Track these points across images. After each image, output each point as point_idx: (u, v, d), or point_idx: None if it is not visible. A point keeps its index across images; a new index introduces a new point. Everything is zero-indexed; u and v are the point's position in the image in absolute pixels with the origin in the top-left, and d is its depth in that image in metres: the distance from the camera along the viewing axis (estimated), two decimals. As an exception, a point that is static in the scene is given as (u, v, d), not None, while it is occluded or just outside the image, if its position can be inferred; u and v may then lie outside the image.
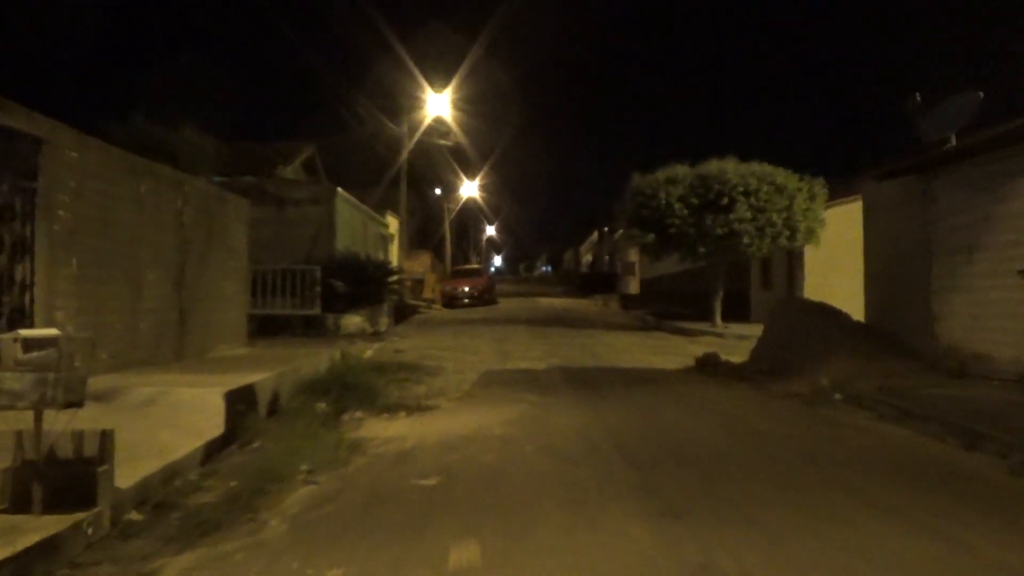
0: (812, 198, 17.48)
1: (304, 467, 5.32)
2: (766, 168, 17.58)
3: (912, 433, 6.37)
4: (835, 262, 16.87)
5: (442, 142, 30.31)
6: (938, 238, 9.39)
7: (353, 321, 15.85)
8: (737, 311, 19.78)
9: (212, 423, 5.98)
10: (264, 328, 13.68)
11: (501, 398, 8.55)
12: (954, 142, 9.41)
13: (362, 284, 16.65)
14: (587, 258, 61.65)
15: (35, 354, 3.80)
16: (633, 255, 35.79)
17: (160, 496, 4.60)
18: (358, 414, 7.57)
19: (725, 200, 17.12)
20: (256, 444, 6.14)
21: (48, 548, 3.46)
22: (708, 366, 10.88)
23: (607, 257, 50.12)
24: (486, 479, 5.04)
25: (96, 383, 5.70)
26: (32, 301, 6.43)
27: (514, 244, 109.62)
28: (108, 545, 3.84)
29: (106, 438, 3.99)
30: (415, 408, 7.94)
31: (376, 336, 15.66)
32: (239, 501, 4.57)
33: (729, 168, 17.49)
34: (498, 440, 6.26)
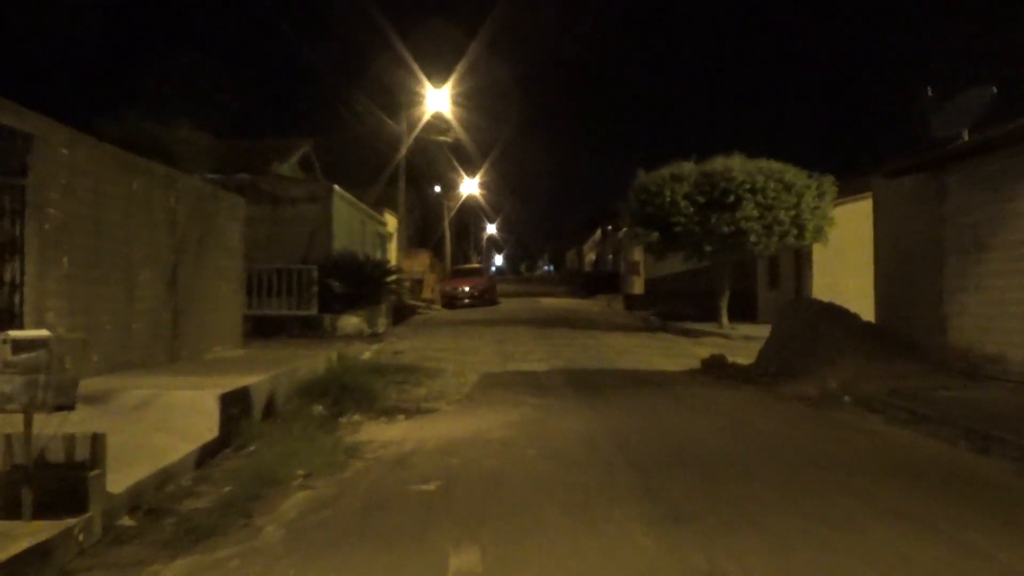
0: (821, 195, 17.47)
1: (301, 471, 5.33)
2: (773, 165, 17.56)
3: (922, 436, 6.37)
4: (844, 261, 16.86)
5: (442, 138, 30.27)
6: (950, 236, 9.38)
7: (351, 322, 15.85)
8: (743, 311, 19.77)
9: (206, 426, 5.98)
10: (260, 329, 13.68)
11: (502, 401, 8.55)
12: (966, 138, 9.39)
13: (360, 284, 16.65)
14: (590, 257, 61.63)
15: (25, 356, 3.80)
16: (637, 254, 35.79)
17: (153, 501, 4.60)
18: (356, 417, 7.57)
19: (731, 198, 17.11)
20: (251, 448, 6.14)
21: (38, 555, 3.46)
22: (714, 368, 10.88)
23: (611, 256, 50.12)
24: (487, 483, 5.04)
25: (87, 385, 5.71)
26: (22, 301, 6.43)
27: (515, 243, 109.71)
28: (100, 551, 3.85)
29: (98, 442, 3.99)
30: (414, 411, 7.94)
31: (374, 337, 15.66)
32: (234, 506, 4.57)
33: (735, 165, 17.47)
34: (499, 443, 6.26)
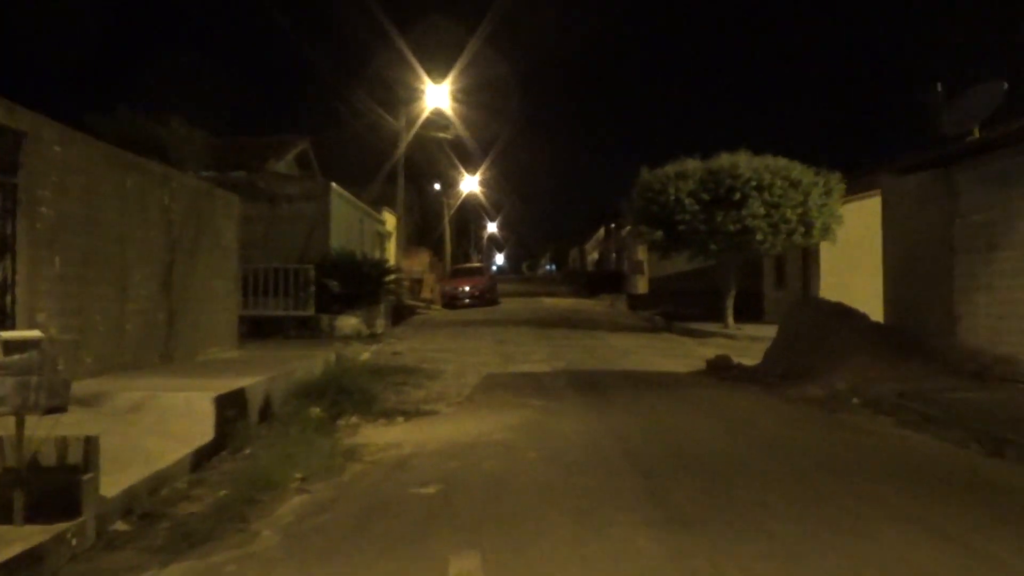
0: (828, 193, 17.43)
1: (297, 475, 5.33)
2: (780, 162, 17.52)
3: (933, 439, 6.36)
4: (852, 260, 16.84)
5: (441, 135, 30.27)
6: (961, 235, 9.36)
7: (349, 322, 15.85)
8: (750, 311, 19.75)
9: (201, 429, 5.98)
10: (256, 330, 13.69)
11: (503, 403, 8.55)
12: (977, 134, 9.38)
13: (358, 284, 16.65)
14: (593, 256, 61.63)
15: (16, 357, 3.80)
16: (641, 253, 35.76)
17: (147, 505, 4.61)
18: (354, 419, 7.57)
19: (737, 195, 17.08)
20: (247, 451, 6.15)
21: (30, 560, 3.46)
22: (720, 369, 10.88)
23: (614, 255, 50.09)
24: (488, 487, 5.04)
25: (80, 387, 5.71)
26: (13, 302, 6.42)
27: (517, 242, 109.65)
28: (93, 556, 3.85)
29: (91, 445, 3.99)
30: (413, 413, 7.95)
31: (373, 338, 15.66)
32: (230, 510, 4.57)
33: (741, 162, 17.44)
34: (500, 446, 6.26)
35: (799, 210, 17.07)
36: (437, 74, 26.12)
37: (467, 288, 30.86)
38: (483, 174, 48.62)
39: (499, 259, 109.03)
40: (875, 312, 10.79)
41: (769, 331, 12.45)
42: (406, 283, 27.44)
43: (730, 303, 18.39)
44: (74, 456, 3.93)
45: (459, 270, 37.20)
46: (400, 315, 22.08)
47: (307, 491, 5.06)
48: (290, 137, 25.11)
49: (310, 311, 15.40)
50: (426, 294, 32.23)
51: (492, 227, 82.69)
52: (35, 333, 4.04)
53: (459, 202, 48.63)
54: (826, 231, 17.43)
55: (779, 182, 17.09)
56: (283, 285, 15.23)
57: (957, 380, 8.37)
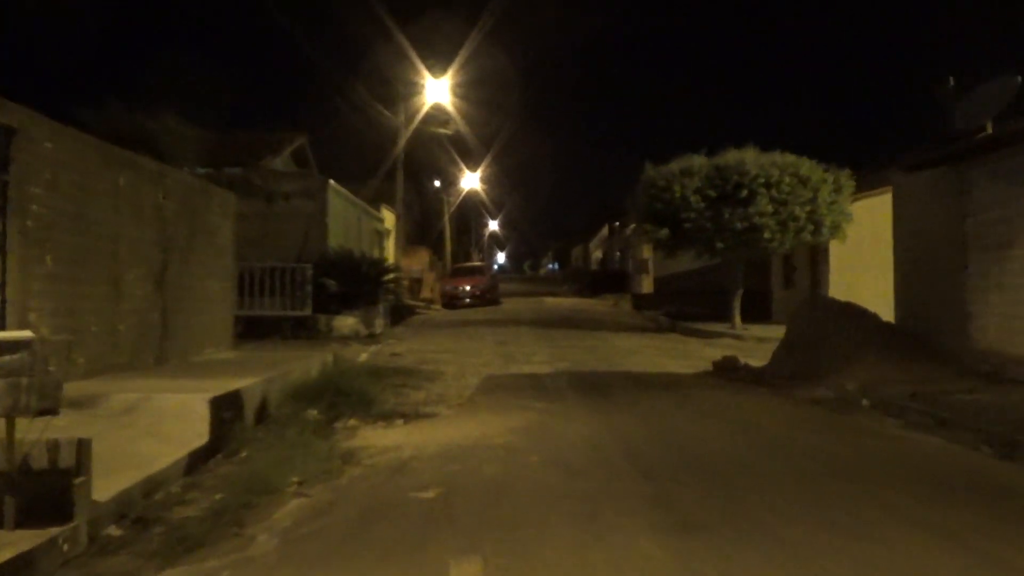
0: (838, 190, 17.41)
1: (295, 478, 5.33)
2: (788, 158, 17.48)
3: (945, 442, 6.36)
4: (862, 258, 16.83)
5: (442, 131, 30.24)
6: (973, 233, 9.35)
7: (347, 323, 15.87)
8: (757, 311, 19.75)
9: (196, 432, 5.99)
10: (252, 330, 13.69)
11: (504, 405, 8.55)
12: (990, 130, 9.37)
13: (356, 283, 16.66)
14: (597, 255, 61.62)
15: (7, 358, 3.81)
16: (646, 252, 35.74)
17: (141, 510, 4.61)
18: (352, 422, 7.57)
19: (744, 192, 17.07)
20: (243, 454, 6.15)
21: (21, 565, 3.47)
22: (726, 370, 10.87)
23: (618, 254, 50.09)
24: (489, 492, 5.04)
25: (72, 389, 5.71)
26: (4, 302, 6.43)
27: (519, 240, 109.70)
28: (85, 562, 3.85)
29: (83, 448, 4.00)
30: (413, 415, 7.95)
31: (371, 339, 15.67)
32: (225, 515, 4.57)
33: (748, 158, 17.41)
34: (501, 450, 6.26)
35: (808, 207, 17.04)
36: (437, 68, 26.14)
37: (468, 288, 30.88)
38: (484, 171, 48.69)
39: (500, 258, 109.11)
40: (885, 312, 10.78)
41: (777, 332, 12.44)
42: (405, 282, 27.47)
43: (737, 303, 18.38)
44: (66, 459, 3.93)
45: (459, 269, 37.21)
46: (399, 315, 22.08)
47: (304, 495, 5.06)
48: (287, 133, 25.09)
49: (307, 311, 15.40)
50: (426, 294, 32.26)
51: (493, 225, 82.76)
52: (26, 333, 4.04)
53: (459, 199, 48.66)
54: (836, 229, 17.41)
55: (787, 179, 17.07)
56: (280, 284, 15.23)
57: (968, 381, 8.36)
